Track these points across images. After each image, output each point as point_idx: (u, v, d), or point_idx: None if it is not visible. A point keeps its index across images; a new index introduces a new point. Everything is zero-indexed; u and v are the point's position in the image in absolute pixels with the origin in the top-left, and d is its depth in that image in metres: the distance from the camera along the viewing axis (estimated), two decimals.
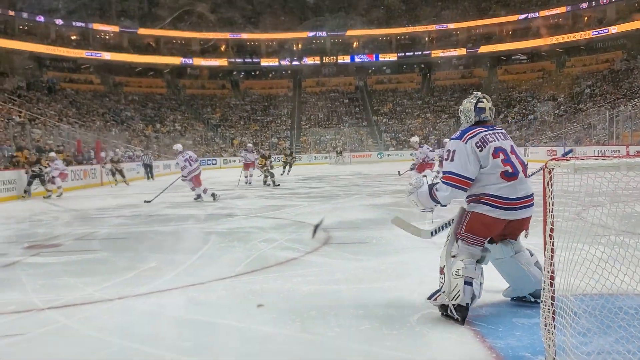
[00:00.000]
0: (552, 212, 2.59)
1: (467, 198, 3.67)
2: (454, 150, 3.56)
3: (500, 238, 3.68)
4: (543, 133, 37.29)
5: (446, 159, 3.61)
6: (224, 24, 54.34)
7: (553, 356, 2.55)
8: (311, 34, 56.88)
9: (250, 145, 20.31)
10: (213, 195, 12.72)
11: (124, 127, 40.48)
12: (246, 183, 18.41)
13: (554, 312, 2.56)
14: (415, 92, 54.88)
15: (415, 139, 14.90)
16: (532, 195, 3.57)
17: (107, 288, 4.74)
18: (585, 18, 49.67)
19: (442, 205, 3.74)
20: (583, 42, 48.47)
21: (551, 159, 2.60)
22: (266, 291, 4.53)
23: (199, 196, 12.76)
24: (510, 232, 3.64)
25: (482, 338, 3.21)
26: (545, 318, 2.59)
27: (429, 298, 3.71)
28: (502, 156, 3.50)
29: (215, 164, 38.31)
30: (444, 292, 3.55)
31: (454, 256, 3.61)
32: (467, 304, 3.47)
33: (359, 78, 57.08)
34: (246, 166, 18.84)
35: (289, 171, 25.07)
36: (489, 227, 3.53)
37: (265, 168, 17.56)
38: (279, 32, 56.06)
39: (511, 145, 3.62)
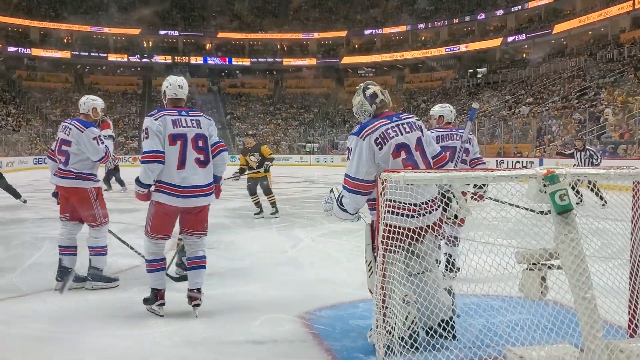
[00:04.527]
0: (384, 219, 2.77)
1: (367, 202, 3.21)
2: (352, 149, 3.16)
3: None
4: None
5: (347, 158, 3.21)
6: (69, 14, 50.33)
7: (383, 357, 2.72)
8: (162, 32, 54.97)
9: None
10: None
11: None
12: None
13: (384, 315, 2.73)
14: (267, 98, 55.53)
15: None
16: (434, 199, 3.15)
17: None
18: (423, 37, 54.13)
19: (352, 214, 3.23)
20: (420, 60, 52.80)
21: (384, 171, 2.78)
22: (105, 301, 4.32)
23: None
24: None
25: (320, 340, 3.34)
26: (377, 320, 2.76)
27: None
28: (403, 155, 3.13)
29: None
30: (399, 325, 2.94)
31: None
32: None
33: (212, 80, 56.39)
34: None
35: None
36: (398, 233, 2.94)
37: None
38: (129, 28, 53.34)
39: (418, 138, 3.23)
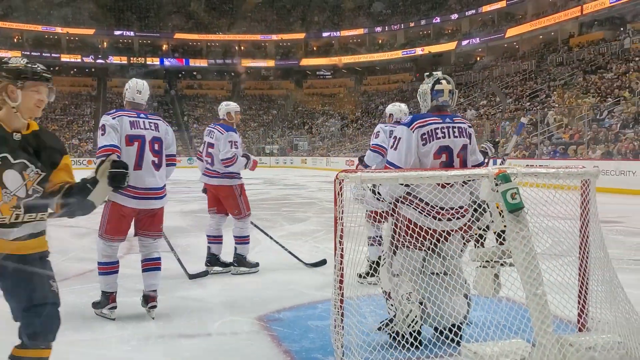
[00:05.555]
0: (342, 219, 2.78)
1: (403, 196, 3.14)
2: (400, 138, 3.18)
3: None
4: (343, 145, 40.05)
5: (391, 146, 3.23)
6: (19, 13, 48.57)
7: (341, 356, 2.73)
8: (118, 32, 53.78)
9: None
10: None
11: None
12: None
13: (342, 314, 2.74)
14: (225, 99, 54.90)
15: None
16: (464, 207, 3.09)
17: None
18: (380, 40, 54.70)
19: (387, 203, 3.20)
20: (377, 62, 53.34)
21: (341, 171, 2.79)
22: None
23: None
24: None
25: (278, 342, 3.32)
26: (335, 320, 2.76)
27: (379, 329, 3.19)
28: (444, 158, 3.17)
29: None
30: (398, 321, 3.03)
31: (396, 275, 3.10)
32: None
33: (169, 82, 55.48)
34: None
35: None
36: (419, 234, 2.98)
37: None
38: (83, 28, 51.94)
39: (464, 145, 3.24)
